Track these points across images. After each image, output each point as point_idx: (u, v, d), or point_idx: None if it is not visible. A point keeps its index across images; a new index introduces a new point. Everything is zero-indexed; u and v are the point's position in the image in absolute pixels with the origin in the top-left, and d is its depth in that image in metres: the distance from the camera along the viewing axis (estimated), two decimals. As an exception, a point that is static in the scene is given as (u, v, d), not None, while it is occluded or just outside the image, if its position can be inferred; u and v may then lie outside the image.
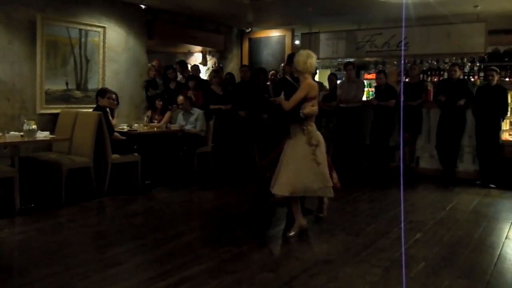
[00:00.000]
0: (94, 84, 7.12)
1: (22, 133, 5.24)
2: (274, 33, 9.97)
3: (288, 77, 4.94)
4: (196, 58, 10.20)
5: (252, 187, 6.89)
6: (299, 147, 4.35)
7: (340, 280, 3.44)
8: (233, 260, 3.78)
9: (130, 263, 3.74)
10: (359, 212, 5.52)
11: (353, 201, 5.88)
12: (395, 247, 4.13)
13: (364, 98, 8.69)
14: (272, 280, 3.42)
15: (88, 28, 7.02)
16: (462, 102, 7.14)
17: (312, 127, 4.43)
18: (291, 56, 4.93)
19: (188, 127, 7.23)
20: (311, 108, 4.37)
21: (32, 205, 5.27)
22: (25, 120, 5.33)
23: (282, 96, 4.44)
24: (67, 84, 6.82)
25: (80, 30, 6.92)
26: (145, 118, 7.39)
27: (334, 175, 4.65)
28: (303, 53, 4.48)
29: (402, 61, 9.45)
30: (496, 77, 7.07)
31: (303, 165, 4.29)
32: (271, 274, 3.53)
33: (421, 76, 9.29)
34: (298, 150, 4.35)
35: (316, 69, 4.59)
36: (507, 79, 8.87)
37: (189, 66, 9.15)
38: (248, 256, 3.89)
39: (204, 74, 9.70)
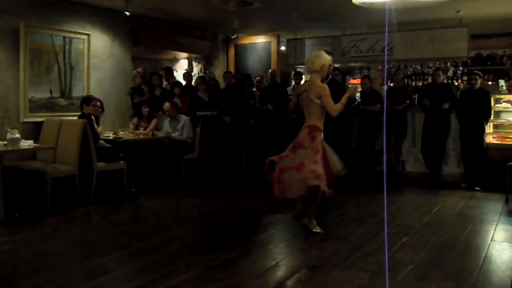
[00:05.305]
0: (78, 91, 7.07)
1: (5, 142, 5.16)
2: (260, 39, 10.00)
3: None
4: (182, 65, 10.17)
5: (240, 192, 6.89)
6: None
7: (328, 285, 3.44)
8: (220, 267, 3.76)
9: (117, 272, 3.70)
10: (346, 216, 5.54)
11: (340, 205, 5.89)
12: (383, 251, 4.15)
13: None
14: (260, 287, 3.41)
15: (72, 35, 6.97)
16: (446, 106, 7.22)
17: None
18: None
19: (174, 134, 7.20)
20: None
21: (17, 215, 5.21)
22: (9, 129, 5.25)
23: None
24: (51, 92, 6.75)
25: (64, 37, 6.87)
26: (131, 125, 7.35)
27: None
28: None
29: (386, 66, 9.55)
30: (479, 81, 7.17)
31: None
32: (259, 280, 3.51)
33: (406, 80, 9.40)
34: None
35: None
36: (490, 83, 9.01)
37: (182, 73, 9.14)
38: (236, 263, 3.87)
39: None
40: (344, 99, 4.54)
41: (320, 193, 4.60)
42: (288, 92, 8.77)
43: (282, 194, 4.57)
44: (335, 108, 4.48)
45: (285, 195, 4.57)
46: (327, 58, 4.64)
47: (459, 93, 7.66)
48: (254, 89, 8.88)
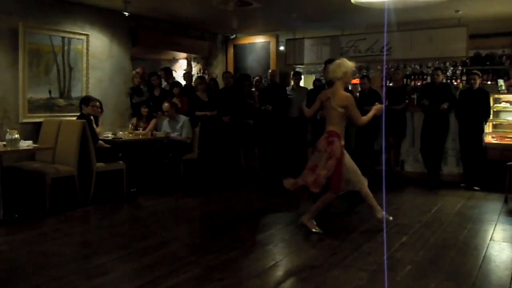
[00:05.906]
0: (77, 92, 7.06)
1: (4, 143, 5.17)
2: (259, 39, 10.01)
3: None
4: (181, 65, 10.17)
5: (239, 192, 6.88)
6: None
7: (328, 284, 3.45)
8: (220, 267, 3.76)
9: (116, 272, 3.70)
10: (345, 216, 5.53)
11: (340, 205, 5.89)
12: (382, 250, 4.16)
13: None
14: (260, 287, 3.41)
15: (71, 35, 6.97)
16: (445, 105, 7.22)
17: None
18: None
19: (174, 134, 7.20)
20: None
21: (16, 215, 5.20)
22: (8, 130, 5.26)
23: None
24: (50, 92, 6.75)
25: (63, 38, 6.87)
26: (130, 125, 7.35)
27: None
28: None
29: (384, 66, 9.54)
30: (478, 81, 7.17)
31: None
32: (259, 280, 3.52)
33: (405, 80, 9.39)
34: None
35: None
36: (489, 83, 9.02)
37: (181, 73, 9.12)
38: (235, 263, 3.88)
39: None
40: (370, 115, 4.79)
41: (330, 201, 4.77)
42: (288, 92, 8.77)
43: (293, 187, 4.75)
44: (362, 120, 4.72)
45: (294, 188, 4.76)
46: (348, 65, 4.70)
47: (458, 92, 7.66)
48: (253, 89, 8.89)
